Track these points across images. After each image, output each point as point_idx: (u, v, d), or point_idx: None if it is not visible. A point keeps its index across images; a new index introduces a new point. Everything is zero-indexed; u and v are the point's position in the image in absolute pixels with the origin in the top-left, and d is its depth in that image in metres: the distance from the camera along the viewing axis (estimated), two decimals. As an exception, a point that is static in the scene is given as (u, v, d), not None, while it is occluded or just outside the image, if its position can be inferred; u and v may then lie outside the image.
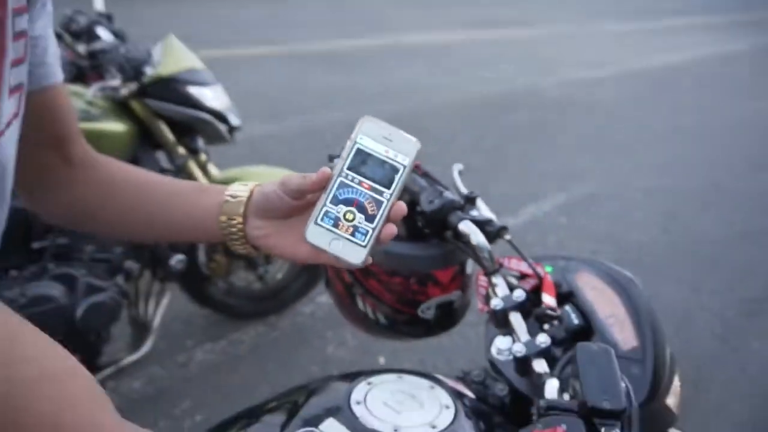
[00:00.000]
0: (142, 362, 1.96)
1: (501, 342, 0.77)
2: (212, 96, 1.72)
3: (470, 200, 0.91)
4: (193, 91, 1.67)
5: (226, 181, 1.86)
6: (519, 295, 0.76)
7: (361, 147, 0.52)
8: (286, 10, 9.51)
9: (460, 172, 0.99)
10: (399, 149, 0.52)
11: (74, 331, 1.45)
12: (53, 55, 0.63)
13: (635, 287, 0.81)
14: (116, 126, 1.52)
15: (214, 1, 8.58)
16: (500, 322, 0.77)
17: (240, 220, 0.57)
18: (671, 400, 0.82)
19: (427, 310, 0.89)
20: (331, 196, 0.51)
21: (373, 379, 0.71)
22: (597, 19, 12.32)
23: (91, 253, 1.48)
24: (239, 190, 0.59)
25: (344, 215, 0.50)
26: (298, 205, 0.54)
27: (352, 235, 0.50)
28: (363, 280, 0.91)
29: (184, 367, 2.02)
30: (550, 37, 9.62)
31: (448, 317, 0.91)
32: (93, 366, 1.59)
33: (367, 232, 0.50)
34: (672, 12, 15.30)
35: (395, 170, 0.51)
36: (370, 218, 0.50)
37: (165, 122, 1.64)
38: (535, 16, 11.62)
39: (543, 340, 0.70)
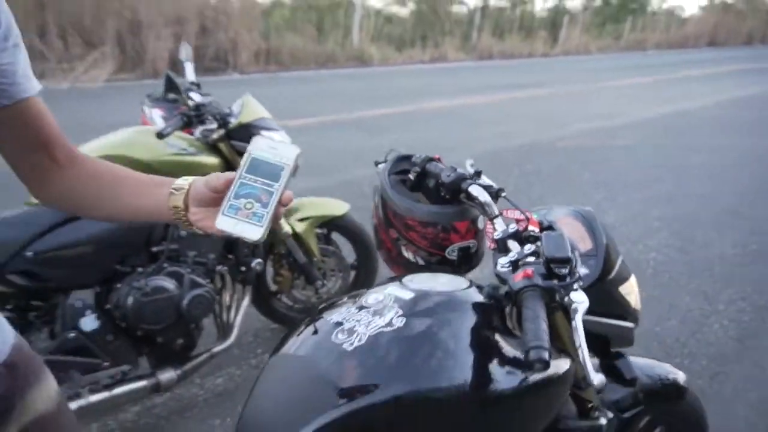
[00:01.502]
0: (221, 364, 2.31)
1: (502, 260, 1.11)
2: (279, 139, 2.18)
3: (477, 173, 1.29)
4: (265, 134, 2.13)
5: (289, 212, 2.28)
6: (513, 227, 1.12)
7: (255, 156, 0.69)
8: (318, 87, 10.38)
9: (471, 165, 1.37)
10: (283, 154, 0.69)
11: (181, 317, 1.83)
12: (23, 75, 0.73)
13: (593, 217, 1.15)
14: (210, 159, 1.97)
15: (260, 86, 9.46)
16: (501, 248, 1.11)
17: (182, 207, 0.72)
18: (625, 291, 1.14)
19: (452, 253, 1.25)
20: (233, 193, 0.67)
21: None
22: (608, 77, 12.93)
23: (193, 257, 1.89)
24: (181, 185, 0.74)
25: (244, 205, 0.67)
26: (219, 197, 0.70)
27: (251, 218, 0.67)
28: (405, 233, 1.29)
29: (256, 368, 2.36)
30: (563, 96, 10.16)
31: (468, 259, 1.26)
32: (190, 352, 1.96)
33: (263, 215, 0.67)
34: (683, 63, 15.97)
35: (281, 168, 0.69)
36: (264, 205, 0.67)
37: (244, 159, 2.10)
38: (550, 79, 12.29)
39: (528, 247, 1.05)
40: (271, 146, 0.70)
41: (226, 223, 0.67)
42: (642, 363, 1.47)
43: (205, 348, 2.03)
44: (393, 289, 0.98)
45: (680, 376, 1.46)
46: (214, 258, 1.95)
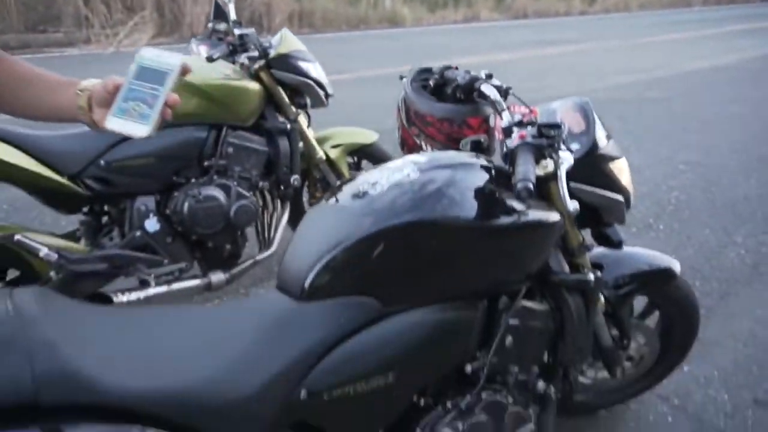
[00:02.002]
0: (263, 277, 2.58)
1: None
2: (314, 70, 2.37)
3: (488, 76, 1.45)
4: (302, 64, 2.32)
5: (323, 139, 2.50)
6: (518, 116, 1.29)
7: (142, 64, 0.77)
8: (352, 47, 10.48)
9: (484, 71, 1.53)
10: (168, 62, 0.77)
11: (228, 225, 2.08)
12: None
13: (588, 104, 1.31)
14: (253, 85, 2.19)
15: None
16: (507, 134, 1.29)
17: (86, 107, 0.81)
18: (616, 168, 1.30)
19: (465, 146, 1.43)
20: (122, 96, 0.75)
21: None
22: (649, 33, 12.53)
23: (239, 173, 2.13)
24: (86, 86, 0.82)
25: (132, 108, 0.74)
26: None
27: (138, 119, 0.74)
28: (424, 129, 1.48)
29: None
30: (601, 52, 9.96)
31: (479, 151, 1.44)
32: (237, 259, 2.22)
33: (149, 116, 0.74)
34: (731, 19, 15.27)
35: (166, 74, 0.76)
36: (150, 106, 0.74)
37: (282, 88, 2.30)
38: (587, 36, 12.00)
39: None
40: (157, 54, 0.78)
41: (115, 123, 0.75)
42: (637, 250, 1.64)
43: (249, 257, 2.29)
44: (411, 157, 1.18)
45: (673, 264, 1.62)
46: (257, 175, 2.19)
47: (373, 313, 1.00)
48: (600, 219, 1.34)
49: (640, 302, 1.80)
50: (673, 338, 1.76)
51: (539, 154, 1.09)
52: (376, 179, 1.11)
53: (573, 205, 0.99)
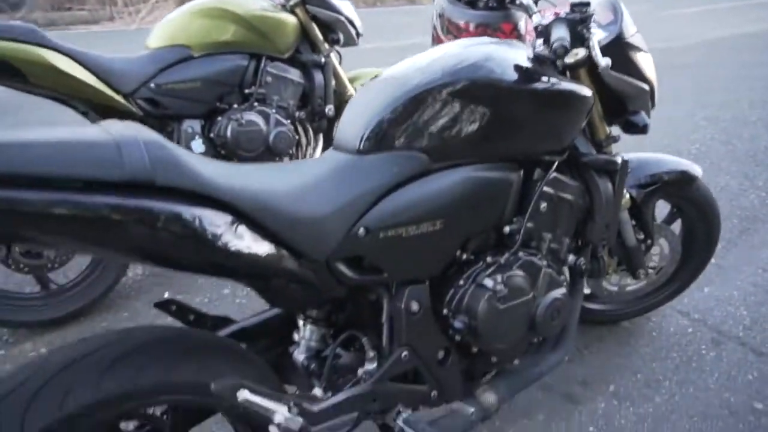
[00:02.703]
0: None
1: (538, 42, 1.37)
2: (347, 8, 2.47)
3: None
4: (335, 1, 2.42)
5: (353, 78, 2.60)
6: (548, 17, 1.38)
7: None
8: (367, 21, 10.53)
9: None
10: None
11: (268, 149, 2.21)
12: None
13: (617, 1, 1.40)
14: (290, 18, 2.30)
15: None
16: (540, 34, 1.38)
17: None
18: (642, 60, 1.39)
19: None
20: None
21: None
22: (668, 5, 12.36)
23: (277, 101, 2.25)
24: None
25: None
26: None
27: None
28: (458, 36, 1.58)
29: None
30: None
31: None
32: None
33: None
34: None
35: None
36: None
37: (316, 25, 2.40)
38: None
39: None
40: None
41: None
42: (661, 155, 1.73)
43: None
44: (449, 44, 1.27)
45: (695, 167, 1.71)
46: (294, 105, 2.30)
47: (423, 166, 1.11)
48: (625, 109, 1.43)
49: (663, 211, 1.90)
50: (695, 243, 1.85)
51: (572, 29, 1.18)
52: (419, 58, 1.21)
53: (605, 61, 1.09)
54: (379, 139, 1.10)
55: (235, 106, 2.17)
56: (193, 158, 0.88)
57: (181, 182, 0.81)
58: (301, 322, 1.20)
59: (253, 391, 0.89)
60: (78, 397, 0.85)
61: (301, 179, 1.04)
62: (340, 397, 1.06)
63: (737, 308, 2.16)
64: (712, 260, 2.21)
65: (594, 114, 1.40)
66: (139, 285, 2.28)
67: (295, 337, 1.21)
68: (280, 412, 0.92)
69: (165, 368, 0.92)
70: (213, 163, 0.94)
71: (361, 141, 1.11)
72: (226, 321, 1.24)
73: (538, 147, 1.23)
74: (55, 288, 2.00)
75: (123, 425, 1.08)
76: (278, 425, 0.92)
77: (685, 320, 2.10)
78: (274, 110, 2.22)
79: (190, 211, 0.81)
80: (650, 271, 1.83)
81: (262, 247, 0.92)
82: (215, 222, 0.85)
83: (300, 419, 0.94)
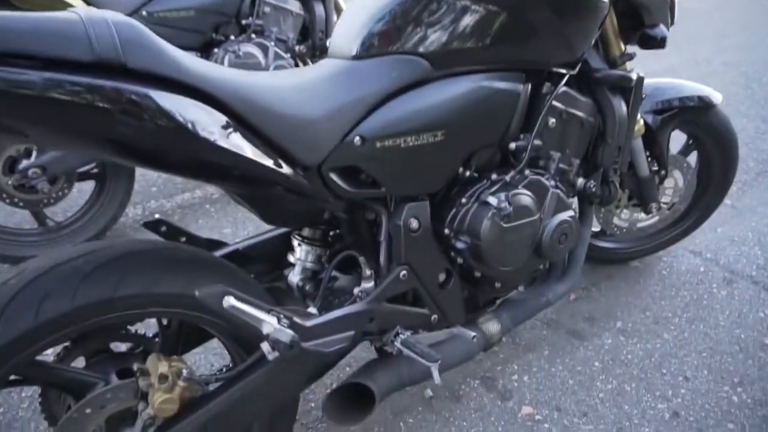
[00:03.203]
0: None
1: None
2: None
3: None
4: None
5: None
6: None
7: None
8: None
9: None
10: None
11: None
12: None
13: None
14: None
15: None
16: None
17: None
18: None
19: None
20: None
21: None
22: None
23: (276, 33, 2.16)
24: None
25: None
26: None
27: None
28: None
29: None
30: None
31: None
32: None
33: None
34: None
35: None
36: None
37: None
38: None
39: None
40: None
41: None
42: (678, 80, 1.64)
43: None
44: None
45: (713, 94, 1.61)
46: (293, 38, 2.21)
47: (423, 73, 1.03)
48: (642, 23, 1.33)
49: (679, 143, 1.81)
50: (711, 177, 1.77)
51: None
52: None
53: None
54: (377, 42, 1.02)
55: (232, 37, 2.08)
56: (172, 47, 0.81)
57: (155, 67, 0.75)
58: (296, 243, 1.15)
59: (239, 298, 0.84)
60: (54, 303, 0.81)
61: (293, 82, 0.97)
62: (335, 314, 1.02)
63: (751, 248, 2.10)
64: (727, 201, 2.14)
65: (608, 27, 1.30)
66: (138, 225, 2.25)
67: (291, 259, 1.16)
68: (270, 323, 0.87)
69: (148, 279, 0.88)
70: (197, 59, 0.87)
71: (357, 45, 1.03)
72: (219, 243, 1.20)
73: (548, 56, 1.14)
74: (52, 225, 1.97)
75: (113, 346, 1.06)
76: (267, 337, 0.88)
77: (697, 260, 2.04)
78: (272, 43, 2.13)
79: (164, 98, 0.75)
80: (663, 206, 1.76)
81: (249, 147, 0.86)
82: (195, 113, 0.79)
83: (290, 332, 0.90)
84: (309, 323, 0.96)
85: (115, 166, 2.02)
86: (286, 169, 0.91)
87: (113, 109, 0.72)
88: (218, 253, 1.16)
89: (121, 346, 1.09)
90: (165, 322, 1.05)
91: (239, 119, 0.84)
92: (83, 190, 2.15)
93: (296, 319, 0.94)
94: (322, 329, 0.98)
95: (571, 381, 1.54)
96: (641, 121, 1.52)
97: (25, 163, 1.79)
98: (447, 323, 1.20)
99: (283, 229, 1.23)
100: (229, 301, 0.82)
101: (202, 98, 0.80)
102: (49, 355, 1.00)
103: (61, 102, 0.68)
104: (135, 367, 0.93)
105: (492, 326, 1.30)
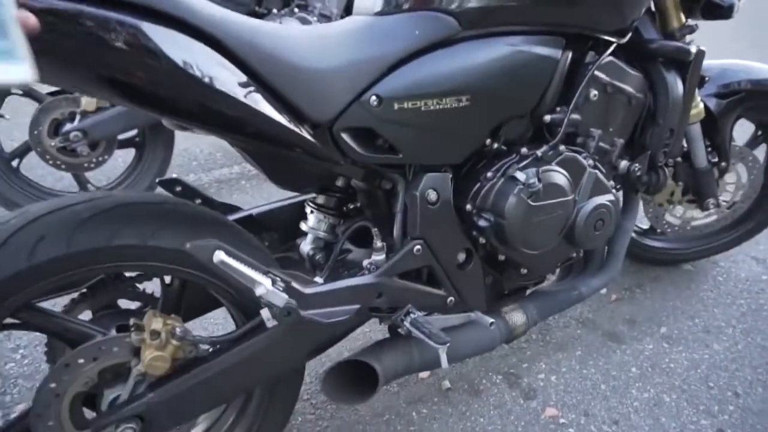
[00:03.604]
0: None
1: None
2: None
3: None
4: None
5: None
6: None
7: None
8: None
9: None
10: None
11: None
12: None
13: None
14: None
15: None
16: None
17: None
18: None
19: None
20: None
21: None
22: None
23: (320, 9, 2.12)
24: None
25: None
26: None
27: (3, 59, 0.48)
28: None
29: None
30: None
31: None
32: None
33: (9, 47, 0.48)
34: None
35: None
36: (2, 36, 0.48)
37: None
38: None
39: None
40: None
41: None
42: (745, 62, 1.47)
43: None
44: None
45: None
46: (338, 14, 2.17)
47: (450, 32, 0.95)
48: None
49: (745, 135, 1.64)
50: (781, 174, 1.59)
51: None
52: None
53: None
54: (402, -1, 0.95)
55: (275, 11, 2.06)
56: None
57: (167, 7, 0.71)
58: (309, 210, 1.10)
59: (231, 255, 0.80)
60: (49, 246, 0.79)
61: (311, 35, 0.92)
62: (339, 284, 0.96)
63: (826, 259, 1.89)
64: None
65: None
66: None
67: (304, 227, 1.11)
68: (263, 284, 0.82)
69: (145, 232, 0.85)
70: (210, 3, 0.82)
71: (380, 1, 0.97)
72: (234, 208, 1.16)
73: (593, 21, 1.04)
74: (92, 189, 2.02)
75: (123, 303, 1.05)
76: (261, 299, 0.83)
77: (759, 267, 1.85)
78: (315, 18, 2.09)
79: (154, 30, 0.71)
80: (722, 203, 1.59)
81: (254, 96, 0.81)
82: (202, 57, 0.75)
83: (285, 296, 0.84)
84: (308, 290, 0.91)
85: (155, 135, 2.04)
86: (293, 125, 0.86)
87: (120, 44, 0.68)
88: (231, 217, 1.12)
89: (132, 305, 1.07)
90: (167, 281, 1.02)
91: (246, 66, 0.79)
92: (126, 160, 2.20)
93: (294, 285, 0.88)
94: (323, 299, 0.93)
95: (604, 386, 1.42)
96: (701, 105, 1.37)
97: (68, 126, 1.83)
98: (465, 308, 1.11)
99: (298, 197, 1.18)
100: (220, 256, 0.77)
101: (211, 42, 0.76)
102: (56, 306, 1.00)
103: (53, 25, 0.66)
104: (131, 322, 0.91)
105: (516, 317, 1.21)
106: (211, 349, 0.94)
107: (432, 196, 1.00)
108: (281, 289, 0.85)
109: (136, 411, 0.87)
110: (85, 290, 1.04)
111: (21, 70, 0.48)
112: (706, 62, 1.29)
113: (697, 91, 1.31)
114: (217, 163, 2.48)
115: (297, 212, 1.15)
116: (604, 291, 1.73)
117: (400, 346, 1.07)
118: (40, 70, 0.50)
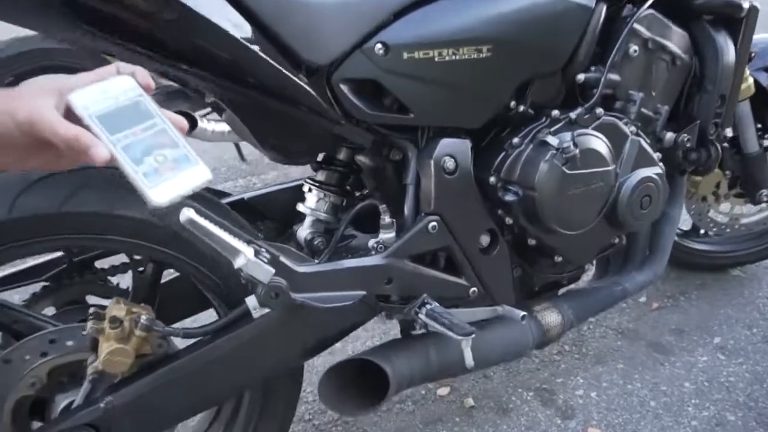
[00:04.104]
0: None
1: None
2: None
3: None
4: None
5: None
6: None
7: (99, 114, 0.49)
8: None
9: None
10: (122, 89, 0.51)
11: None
12: None
13: None
14: None
15: None
16: None
17: None
18: None
19: None
20: (130, 162, 0.48)
21: None
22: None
23: None
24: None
25: (157, 161, 0.49)
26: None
27: (180, 166, 0.49)
28: None
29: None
30: None
31: None
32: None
33: (186, 155, 0.50)
34: None
35: (139, 103, 0.51)
36: (173, 145, 0.50)
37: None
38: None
39: None
40: (102, 93, 0.50)
41: (166, 193, 0.48)
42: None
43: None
44: None
45: None
46: None
47: (467, -28, 0.83)
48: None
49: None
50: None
51: None
52: None
53: None
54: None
55: None
56: None
57: None
58: (307, 189, 0.95)
59: (202, 214, 0.65)
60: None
61: None
62: (340, 264, 0.80)
63: None
64: None
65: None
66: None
67: (301, 208, 0.96)
68: (244, 254, 0.67)
69: (105, 199, 0.72)
70: None
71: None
72: (220, 193, 1.02)
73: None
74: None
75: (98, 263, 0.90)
76: (241, 273, 0.68)
77: (818, 274, 1.65)
78: None
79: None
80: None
81: (243, 27, 0.68)
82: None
83: (271, 270, 0.69)
84: (302, 269, 0.75)
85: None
86: (287, 70, 0.72)
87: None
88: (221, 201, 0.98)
89: (104, 303, 0.93)
90: (141, 269, 0.88)
91: (239, 3, 0.67)
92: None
93: (284, 260, 0.73)
94: (319, 280, 0.77)
95: (653, 403, 1.22)
96: (750, 79, 1.22)
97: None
98: (490, 301, 0.95)
99: (295, 182, 1.04)
100: (188, 213, 0.62)
101: None
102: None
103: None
104: (91, 310, 0.76)
105: (550, 316, 1.03)
106: (185, 346, 0.78)
107: (449, 164, 0.85)
108: (266, 261, 0.70)
109: (89, 419, 0.71)
110: (48, 283, 0.90)
111: (201, 171, 0.50)
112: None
113: (745, 64, 1.17)
114: (221, 177, 2.37)
115: (294, 197, 1.01)
116: (643, 298, 1.55)
117: (415, 346, 0.90)
118: None
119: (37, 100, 0.47)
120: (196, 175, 0.50)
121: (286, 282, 0.72)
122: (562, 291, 1.12)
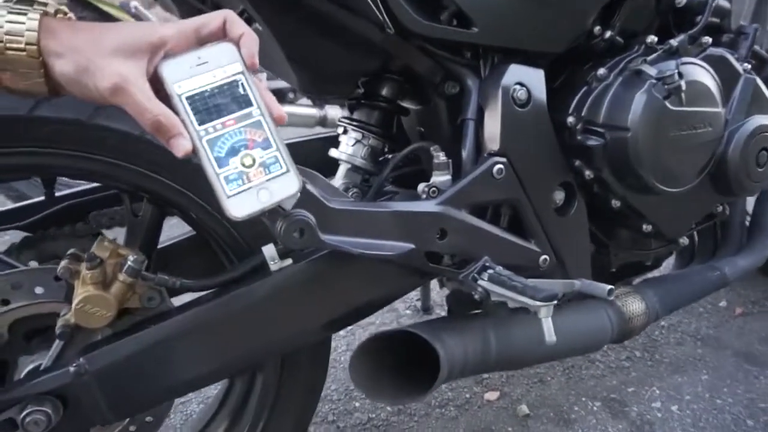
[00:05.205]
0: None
1: None
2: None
3: None
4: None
5: None
6: None
7: (187, 94, 0.42)
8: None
9: None
10: (220, 63, 0.43)
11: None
12: None
13: None
14: None
15: None
16: None
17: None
18: None
19: None
20: (213, 161, 0.43)
21: None
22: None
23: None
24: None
25: (243, 164, 0.43)
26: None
27: (268, 172, 0.44)
28: None
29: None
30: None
31: None
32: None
33: (277, 158, 0.44)
34: None
35: (237, 84, 0.44)
36: (265, 144, 0.44)
37: None
38: None
39: None
40: (196, 62, 0.42)
41: (246, 205, 0.43)
42: None
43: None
44: None
45: None
46: None
47: None
48: None
49: None
50: None
51: None
52: None
53: None
54: None
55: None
56: None
57: None
58: (341, 131, 0.79)
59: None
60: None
61: None
62: (381, 206, 0.63)
63: None
64: None
65: None
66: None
67: (334, 154, 0.79)
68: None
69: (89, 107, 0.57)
70: None
71: None
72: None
73: None
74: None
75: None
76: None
77: None
78: None
79: None
80: None
81: None
82: None
83: (295, 189, 0.51)
84: (336, 204, 0.58)
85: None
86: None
87: None
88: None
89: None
90: (136, 213, 0.72)
91: None
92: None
93: (311, 189, 0.56)
94: (357, 222, 0.60)
95: (751, 421, 1.00)
96: None
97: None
98: (564, 273, 0.76)
99: (327, 133, 0.89)
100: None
101: None
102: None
103: None
104: (69, 251, 0.60)
105: (633, 304, 0.84)
106: (182, 302, 0.61)
107: (521, 93, 0.68)
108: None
109: (53, 385, 0.54)
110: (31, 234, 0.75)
111: (289, 181, 0.45)
112: None
113: None
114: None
115: (326, 147, 0.85)
116: (723, 303, 1.33)
117: (472, 326, 0.72)
118: None
119: (125, 63, 0.40)
120: (283, 186, 0.45)
121: (314, 218, 0.55)
122: (637, 281, 0.93)
